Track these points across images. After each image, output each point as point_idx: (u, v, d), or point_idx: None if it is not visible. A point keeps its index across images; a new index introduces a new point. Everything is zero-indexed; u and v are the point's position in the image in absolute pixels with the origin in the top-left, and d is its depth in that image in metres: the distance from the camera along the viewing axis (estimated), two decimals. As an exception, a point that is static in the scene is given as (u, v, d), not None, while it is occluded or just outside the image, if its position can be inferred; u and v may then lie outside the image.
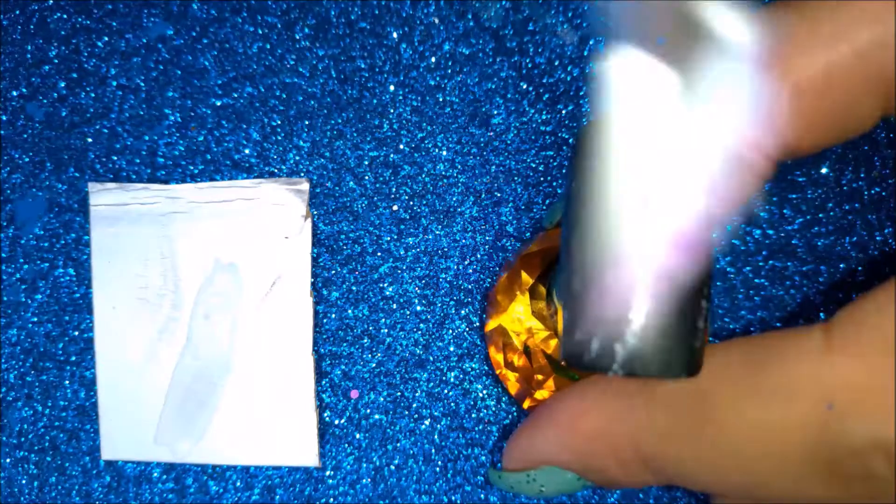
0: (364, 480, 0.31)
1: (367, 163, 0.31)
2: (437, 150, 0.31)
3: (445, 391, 0.31)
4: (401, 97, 0.31)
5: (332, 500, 0.31)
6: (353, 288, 0.31)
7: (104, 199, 0.31)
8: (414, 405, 0.31)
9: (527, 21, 0.30)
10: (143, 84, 0.31)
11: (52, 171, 0.32)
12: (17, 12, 0.32)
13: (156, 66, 0.31)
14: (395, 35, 0.31)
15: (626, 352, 0.17)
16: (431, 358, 0.31)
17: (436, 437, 0.30)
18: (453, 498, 0.30)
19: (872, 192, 0.29)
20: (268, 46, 0.31)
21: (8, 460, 0.32)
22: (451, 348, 0.31)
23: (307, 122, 0.31)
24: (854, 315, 0.19)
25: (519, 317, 0.28)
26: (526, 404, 0.28)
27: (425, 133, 0.31)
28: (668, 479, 0.22)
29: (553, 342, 0.28)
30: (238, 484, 0.31)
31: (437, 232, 0.31)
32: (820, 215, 0.29)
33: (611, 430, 0.22)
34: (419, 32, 0.30)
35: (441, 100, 0.31)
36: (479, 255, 0.31)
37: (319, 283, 0.31)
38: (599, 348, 0.17)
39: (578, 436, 0.22)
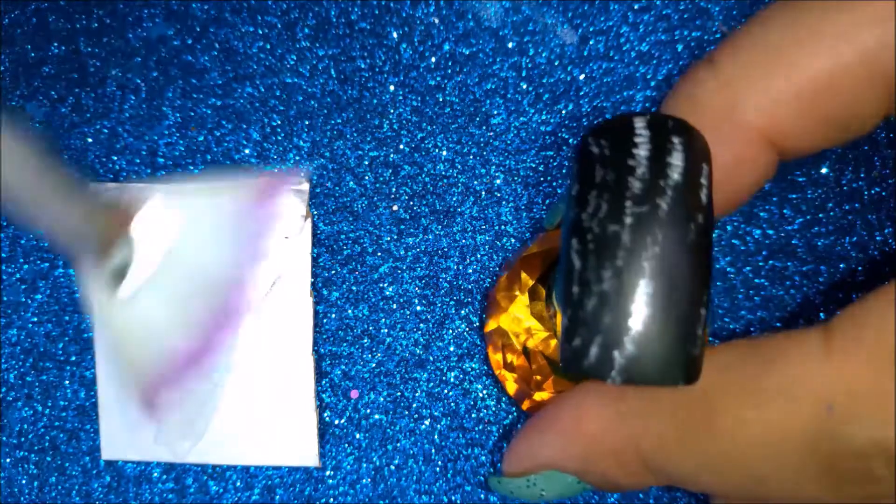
0: (364, 480, 0.31)
1: (367, 163, 0.31)
2: (437, 150, 0.31)
3: (445, 391, 0.31)
4: (401, 97, 0.31)
5: (332, 500, 0.31)
6: (353, 288, 0.31)
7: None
8: (414, 405, 0.31)
9: (527, 21, 0.30)
10: (143, 84, 0.31)
11: (52, 171, 0.32)
12: (17, 12, 0.32)
13: (156, 66, 0.31)
14: (395, 35, 0.31)
15: (625, 359, 0.17)
16: (431, 358, 0.31)
17: (436, 437, 0.30)
18: (453, 498, 0.30)
19: (872, 192, 0.29)
20: (268, 46, 0.31)
21: (8, 460, 0.32)
22: (451, 348, 0.31)
23: (307, 122, 0.31)
24: (854, 317, 0.19)
25: (518, 318, 0.28)
26: (525, 405, 0.28)
27: (425, 133, 0.31)
28: (669, 481, 0.22)
29: (552, 343, 0.28)
30: (238, 484, 0.31)
31: (437, 232, 0.31)
32: (820, 215, 0.29)
33: (611, 433, 0.22)
34: (419, 32, 0.30)
35: (441, 100, 0.31)
36: (479, 255, 0.31)
37: (319, 283, 0.31)
38: (598, 356, 0.17)
39: (579, 439, 0.22)
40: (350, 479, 0.31)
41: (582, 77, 0.30)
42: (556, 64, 0.30)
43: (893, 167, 0.29)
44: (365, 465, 0.31)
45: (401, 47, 0.31)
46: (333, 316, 0.31)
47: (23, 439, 0.32)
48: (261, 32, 0.31)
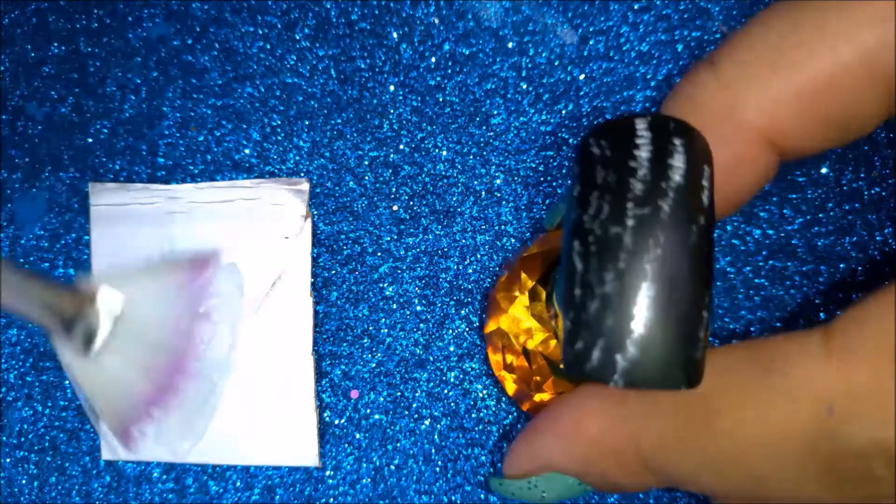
0: (364, 480, 0.31)
1: (367, 163, 0.31)
2: (437, 150, 0.31)
3: (445, 391, 0.31)
4: (401, 97, 0.31)
5: (332, 500, 0.31)
6: (353, 288, 0.31)
7: (104, 199, 0.31)
8: (414, 405, 0.31)
9: (527, 21, 0.30)
10: (143, 84, 0.31)
11: (52, 171, 0.32)
12: (17, 12, 0.32)
13: (156, 67, 0.31)
14: (395, 35, 0.31)
15: (627, 363, 0.17)
16: (431, 358, 0.31)
17: (436, 437, 0.30)
18: (453, 498, 0.30)
19: (872, 192, 0.29)
20: (268, 46, 0.31)
21: (8, 460, 0.32)
22: (451, 348, 0.31)
23: (307, 122, 0.31)
24: (854, 318, 0.19)
25: (518, 319, 0.28)
26: (525, 406, 0.28)
27: (425, 133, 0.31)
28: (669, 481, 0.22)
29: (552, 344, 0.28)
30: (238, 484, 0.31)
31: (437, 232, 0.31)
32: (820, 215, 0.29)
33: (612, 434, 0.22)
34: (419, 32, 0.30)
35: (441, 100, 0.31)
36: (479, 255, 0.31)
37: (319, 283, 0.31)
38: (600, 359, 0.17)
39: (580, 440, 0.22)
40: (350, 479, 0.31)
41: (582, 77, 0.30)
42: (556, 64, 0.30)
43: (893, 167, 0.29)
44: (365, 465, 0.31)
45: (401, 47, 0.31)
46: (333, 316, 0.31)
47: (23, 439, 0.32)
48: (261, 32, 0.31)
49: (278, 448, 0.30)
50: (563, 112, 0.30)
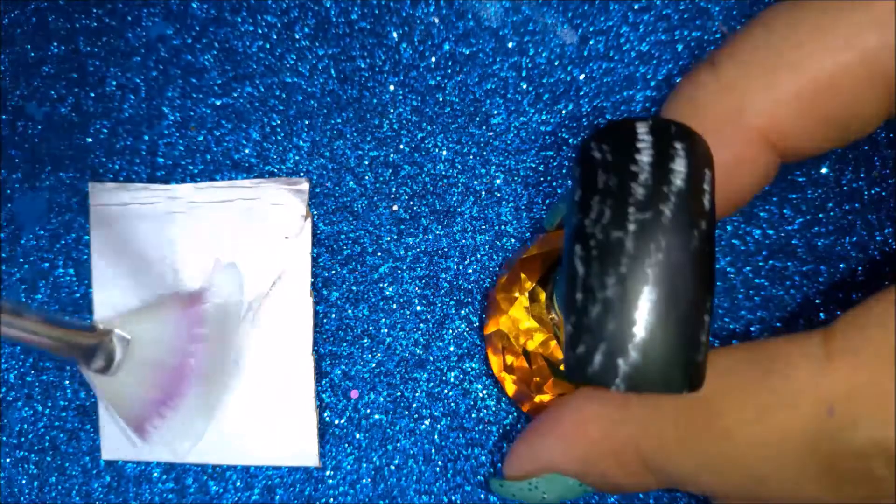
0: (364, 480, 0.31)
1: (367, 163, 0.31)
2: (437, 150, 0.31)
3: (445, 391, 0.31)
4: (401, 97, 0.31)
5: (332, 500, 0.31)
6: (353, 288, 0.31)
7: (104, 199, 0.31)
8: (414, 405, 0.31)
9: (527, 21, 0.30)
10: (142, 84, 0.31)
11: (52, 171, 0.32)
12: (17, 12, 0.31)
13: (155, 66, 0.31)
14: (395, 35, 0.31)
15: (629, 367, 0.17)
16: (431, 358, 0.31)
17: (436, 437, 0.30)
18: (453, 498, 0.30)
19: (872, 192, 0.29)
20: (268, 46, 0.31)
21: (8, 460, 0.32)
22: (451, 348, 0.31)
23: (307, 122, 0.31)
24: (855, 320, 0.19)
25: (518, 320, 0.28)
26: (525, 407, 0.28)
27: (425, 133, 0.31)
28: (670, 481, 0.22)
29: (552, 345, 0.28)
30: (238, 484, 0.31)
31: (437, 232, 0.31)
32: (820, 215, 0.29)
33: (613, 435, 0.22)
34: (419, 32, 0.30)
35: (441, 100, 0.31)
36: (479, 255, 0.31)
37: (319, 283, 0.31)
38: (602, 363, 0.17)
39: (580, 442, 0.22)
40: (350, 479, 0.31)
41: (582, 77, 0.30)
42: (556, 64, 0.30)
43: (893, 167, 0.29)
44: (365, 465, 0.31)
45: (401, 47, 0.31)
46: (333, 316, 0.31)
47: (23, 439, 0.32)
48: (260, 32, 0.31)
49: (278, 448, 0.30)
50: (563, 112, 0.30)
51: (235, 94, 0.31)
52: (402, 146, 0.31)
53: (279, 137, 0.31)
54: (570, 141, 0.30)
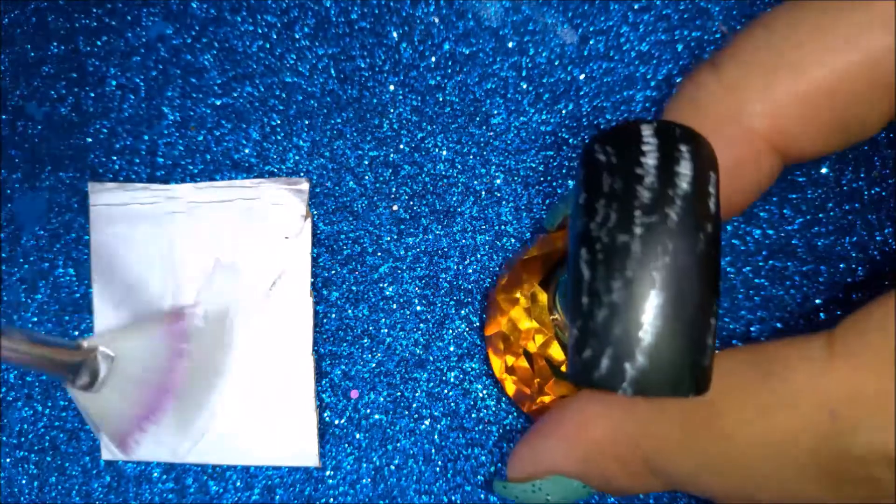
0: (364, 480, 0.31)
1: (367, 163, 0.31)
2: (437, 150, 0.31)
3: (445, 391, 0.31)
4: (401, 97, 0.31)
5: (332, 500, 0.31)
6: (353, 288, 0.31)
7: (104, 199, 0.31)
8: (414, 405, 0.31)
9: (527, 21, 0.30)
10: (142, 84, 0.31)
11: (52, 171, 0.32)
12: (17, 12, 0.31)
13: (155, 66, 0.31)
14: (395, 35, 0.31)
15: (636, 371, 0.17)
16: (431, 358, 0.31)
17: (436, 437, 0.31)
18: (453, 498, 0.30)
19: (872, 192, 0.29)
20: (268, 46, 0.31)
21: (8, 460, 0.32)
22: (451, 348, 0.31)
23: (307, 122, 0.31)
24: (857, 324, 0.19)
25: (519, 321, 0.28)
26: (526, 408, 0.29)
27: (425, 133, 0.31)
28: (672, 484, 0.22)
29: (553, 345, 0.28)
30: (238, 484, 0.31)
31: (437, 232, 0.31)
32: (820, 215, 0.29)
33: (615, 438, 0.22)
34: (419, 32, 0.30)
35: (441, 100, 0.31)
36: (479, 255, 0.31)
37: (319, 283, 0.31)
38: (609, 368, 0.17)
39: (583, 444, 0.22)
40: (350, 479, 0.31)
41: (582, 77, 0.30)
42: (556, 64, 0.30)
43: (893, 167, 0.29)
44: (365, 465, 0.31)
45: (401, 47, 0.31)
46: (333, 316, 0.31)
47: (23, 439, 0.32)
48: (260, 31, 0.31)
49: (278, 448, 0.30)
50: (563, 112, 0.30)
51: (235, 94, 0.31)
52: (402, 146, 0.31)
53: (279, 137, 0.31)
54: (570, 141, 0.30)
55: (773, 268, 0.30)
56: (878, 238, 0.29)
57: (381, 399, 0.31)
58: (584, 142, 0.30)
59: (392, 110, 0.31)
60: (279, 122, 0.31)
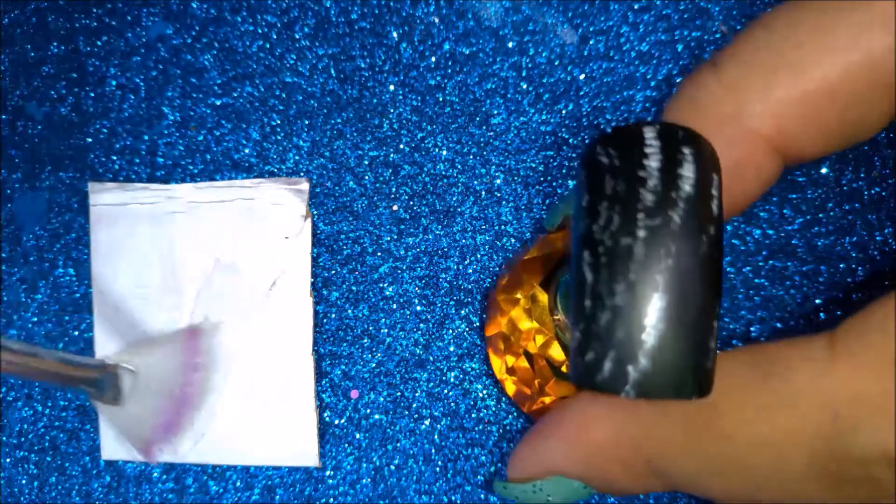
0: (364, 480, 0.31)
1: (367, 163, 0.31)
2: (437, 150, 0.31)
3: (445, 391, 0.31)
4: (401, 97, 0.31)
5: (332, 500, 0.31)
6: (353, 288, 0.31)
7: (104, 199, 0.31)
8: (414, 405, 0.31)
9: (527, 21, 0.30)
10: (142, 84, 0.31)
11: (52, 171, 0.32)
12: (17, 12, 0.31)
13: (155, 66, 0.31)
14: (395, 35, 0.31)
15: (639, 374, 0.17)
16: (431, 358, 0.31)
17: (436, 437, 0.31)
18: (453, 498, 0.30)
19: (872, 192, 0.29)
20: (268, 46, 0.31)
21: (8, 460, 0.32)
22: (451, 348, 0.31)
23: (307, 122, 0.31)
24: (858, 325, 0.19)
25: (520, 321, 0.28)
26: (526, 408, 0.29)
27: (425, 133, 0.31)
28: (673, 484, 0.22)
29: (554, 346, 0.28)
30: (238, 484, 0.31)
31: (437, 232, 0.31)
32: (820, 215, 0.29)
33: (617, 439, 0.22)
34: (419, 32, 0.30)
35: (441, 100, 0.31)
36: (479, 255, 0.31)
37: (319, 283, 0.31)
38: (611, 370, 0.17)
39: (584, 445, 0.22)
40: (350, 479, 0.31)
41: (582, 77, 0.30)
42: (556, 64, 0.30)
43: (893, 167, 0.29)
44: (365, 465, 0.31)
45: (401, 47, 0.31)
46: (333, 316, 0.31)
47: (23, 439, 0.32)
48: (260, 31, 0.31)
49: (278, 448, 0.30)
50: (563, 112, 0.30)
51: (235, 94, 0.31)
52: (402, 146, 0.31)
53: (279, 137, 0.31)
54: (570, 141, 0.30)
55: (773, 268, 0.30)
56: (878, 238, 0.29)
57: (381, 399, 0.31)
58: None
59: (392, 110, 0.31)
60: (279, 122, 0.31)
